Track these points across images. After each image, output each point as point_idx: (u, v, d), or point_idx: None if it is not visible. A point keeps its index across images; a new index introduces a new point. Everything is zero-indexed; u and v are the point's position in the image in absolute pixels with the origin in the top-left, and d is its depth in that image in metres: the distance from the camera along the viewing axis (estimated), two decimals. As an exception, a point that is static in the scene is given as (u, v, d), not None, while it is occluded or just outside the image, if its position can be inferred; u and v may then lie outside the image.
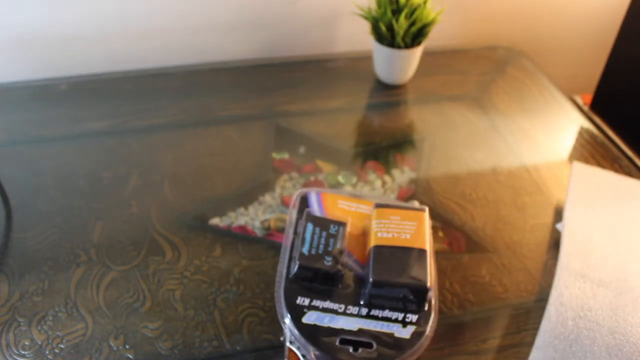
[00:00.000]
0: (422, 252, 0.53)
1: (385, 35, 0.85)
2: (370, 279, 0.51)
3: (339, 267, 0.53)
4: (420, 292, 0.51)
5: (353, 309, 0.51)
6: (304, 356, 0.49)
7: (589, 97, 1.13)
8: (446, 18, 0.93)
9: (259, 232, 0.66)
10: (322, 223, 0.57)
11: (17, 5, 0.86)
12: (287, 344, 0.51)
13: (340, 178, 0.74)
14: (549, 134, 0.84)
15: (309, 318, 0.50)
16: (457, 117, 0.86)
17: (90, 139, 0.78)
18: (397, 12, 0.84)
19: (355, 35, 1.00)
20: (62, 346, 0.53)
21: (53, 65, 0.92)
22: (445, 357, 0.54)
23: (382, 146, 0.80)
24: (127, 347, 0.54)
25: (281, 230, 0.66)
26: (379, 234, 0.55)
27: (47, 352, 0.53)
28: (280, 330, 0.55)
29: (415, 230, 0.55)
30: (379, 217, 0.57)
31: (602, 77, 1.08)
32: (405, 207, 0.59)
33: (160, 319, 0.56)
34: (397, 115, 0.87)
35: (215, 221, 0.67)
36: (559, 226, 0.67)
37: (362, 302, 0.52)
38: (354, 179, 0.74)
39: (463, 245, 0.65)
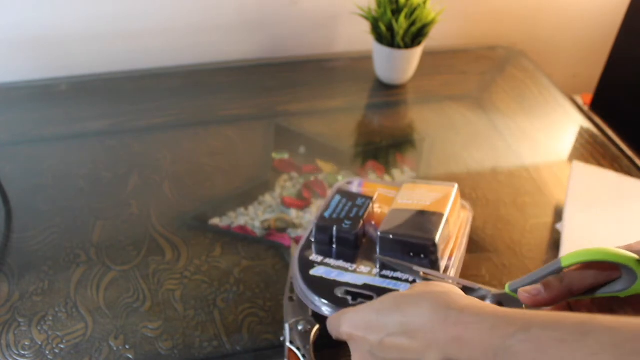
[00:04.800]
0: (438, 215, 0.54)
1: (385, 35, 0.85)
2: (378, 232, 0.52)
3: (357, 231, 0.54)
4: (424, 248, 0.51)
5: (364, 269, 0.52)
6: (304, 356, 0.49)
7: (589, 97, 1.13)
8: (446, 18, 0.93)
9: (259, 232, 0.66)
10: (349, 196, 0.58)
11: (17, 5, 0.86)
12: (287, 344, 0.51)
13: (340, 178, 0.74)
14: (549, 134, 0.84)
15: (317, 271, 0.52)
16: (457, 117, 0.86)
17: (90, 139, 0.78)
18: (397, 12, 0.84)
19: (355, 35, 1.00)
20: (62, 346, 0.53)
21: (53, 65, 0.92)
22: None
23: (382, 146, 0.80)
24: (127, 347, 0.54)
25: (281, 230, 0.66)
26: (400, 201, 0.57)
27: (47, 352, 0.53)
28: (280, 330, 0.55)
29: (438, 199, 0.56)
30: (406, 189, 0.59)
31: (602, 77, 1.08)
32: (434, 183, 0.60)
33: (160, 319, 0.56)
34: (397, 115, 0.87)
35: (215, 221, 0.67)
36: (558, 226, 0.67)
37: (376, 265, 0.52)
38: (354, 179, 0.74)
39: (463, 245, 0.65)
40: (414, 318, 0.37)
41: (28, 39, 0.89)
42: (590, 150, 0.80)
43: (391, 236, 0.52)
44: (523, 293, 0.41)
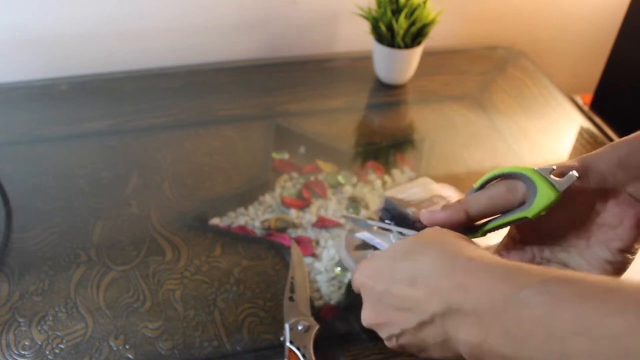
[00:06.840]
0: None
1: (385, 35, 0.85)
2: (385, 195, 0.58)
3: (416, 220, 0.56)
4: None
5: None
6: (304, 356, 0.49)
7: (589, 97, 1.13)
8: (446, 18, 0.93)
9: (259, 232, 0.66)
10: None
11: (17, 5, 0.86)
12: (287, 344, 0.51)
13: (340, 178, 0.74)
14: (549, 134, 0.84)
15: (361, 235, 0.52)
16: (457, 117, 0.86)
17: (90, 139, 0.78)
18: (397, 12, 0.84)
19: (355, 35, 1.00)
20: (62, 346, 0.53)
21: (53, 65, 0.92)
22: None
23: (382, 146, 0.80)
24: (127, 347, 0.54)
25: (281, 230, 0.66)
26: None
27: (47, 352, 0.53)
28: (280, 330, 0.55)
29: None
30: None
31: (602, 77, 1.08)
32: None
33: (160, 319, 0.56)
34: (397, 115, 0.87)
35: (215, 221, 0.67)
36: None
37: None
38: (354, 179, 0.74)
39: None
40: (421, 265, 0.36)
41: (28, 39, 0.89)
42: (590, 150, 0.80)
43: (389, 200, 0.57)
44: (424, 212, 0.42)
